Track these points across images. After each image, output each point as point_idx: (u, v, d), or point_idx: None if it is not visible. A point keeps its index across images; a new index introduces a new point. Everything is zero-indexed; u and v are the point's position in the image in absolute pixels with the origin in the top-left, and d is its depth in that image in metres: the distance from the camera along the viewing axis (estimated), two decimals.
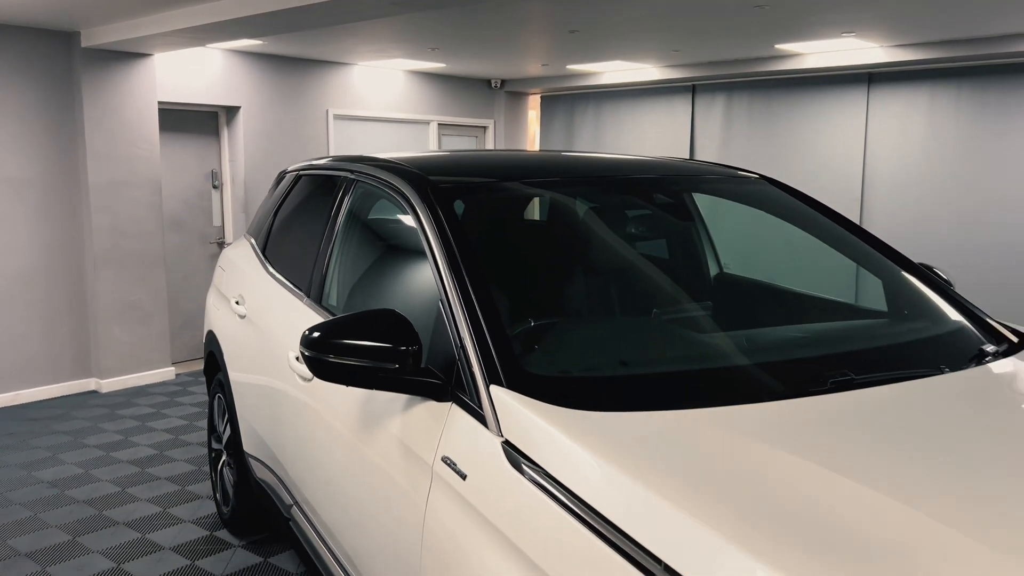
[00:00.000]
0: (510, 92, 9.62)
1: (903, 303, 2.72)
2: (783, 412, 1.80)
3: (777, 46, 6.83)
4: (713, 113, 8.57)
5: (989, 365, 2.20)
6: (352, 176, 2.94)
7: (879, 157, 7.57)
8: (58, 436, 5.43)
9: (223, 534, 4.00)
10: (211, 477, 4.27)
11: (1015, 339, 2.41)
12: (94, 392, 6.49)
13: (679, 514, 1.38)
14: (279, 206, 3.72)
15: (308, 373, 2.64)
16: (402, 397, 2.11)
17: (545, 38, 6.58)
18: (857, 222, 7.67)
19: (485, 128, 9.60)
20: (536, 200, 2.89)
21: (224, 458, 3.92)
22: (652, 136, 8.99)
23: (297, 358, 2.73)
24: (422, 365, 1.99)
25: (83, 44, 6.06)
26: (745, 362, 2.13)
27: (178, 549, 3.85)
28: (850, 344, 2.41)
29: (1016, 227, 6.91)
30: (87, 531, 4.04)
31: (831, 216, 2.91)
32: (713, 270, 3.50)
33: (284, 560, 3.74)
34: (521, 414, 1.73)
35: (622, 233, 2.90)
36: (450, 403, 1.94)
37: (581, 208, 2.90)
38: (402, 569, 1.98)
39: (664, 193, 3.14)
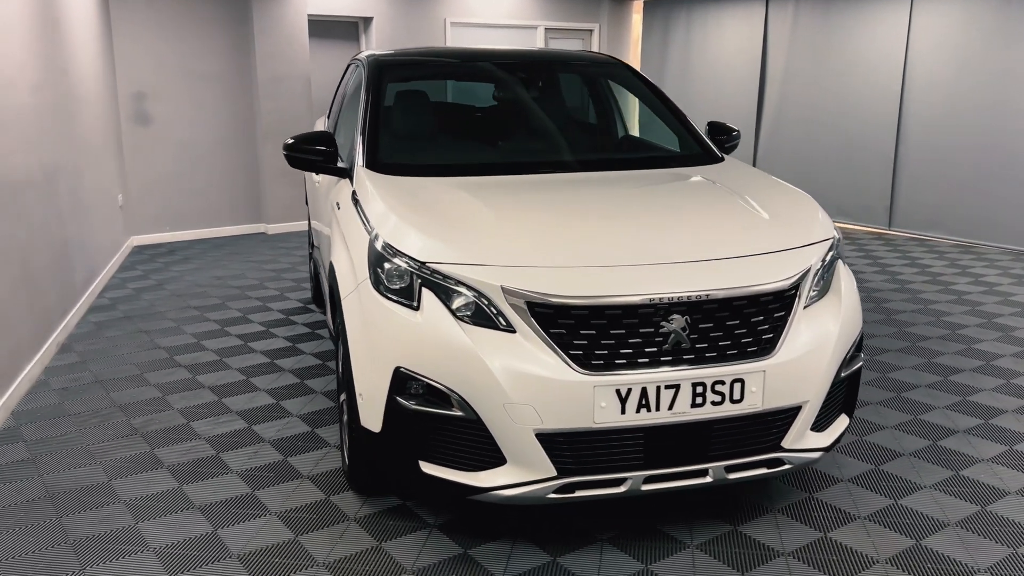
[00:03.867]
0: None
1: (682, 145, 4.21)
2: (508, 180, 3.49)
3: None
4: (784, 18, 9.52)
5: (684, 168, 3.78)
6: (357, 62, 4.76)
7: (919, 55, 8.36)
8: (234, 255, 7.84)
9: (311, 306, 6.14)
10: (309, 272, 6.42)
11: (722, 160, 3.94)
12: (263, 233, 8.92)
13: (380, 205, 3.15)
14: (339, 85, 5.63)
15: (320, 180, 4.57)
16: (334, 179, 3.95)
17: None
18: (896, 113, 8.52)
19: (591, 31, 11.00)
20: (447, 72, 4.58)
21: (312, 256, 6.01)
22: (730, 37, 10.08)
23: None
24: (340, 162, 3.83)
25: None
26: (518, 160, 3.82)
27: (287, 312, 6.02)
28: (605, 156, 3.99)
29: None
30: (237, 300, 6.30)
31: (656, 92, 4.40)
32: (621, 133, 5.04)
33: None
34: (360, 177, 3.54)
35: (500, 95, 4.53)
36: (348, 179, 3.77)
37: (478, 81, 4.56)
38: (330, 243, 3.86)
39: (546, 72, 4.69)
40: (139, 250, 8.14)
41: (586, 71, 4.75)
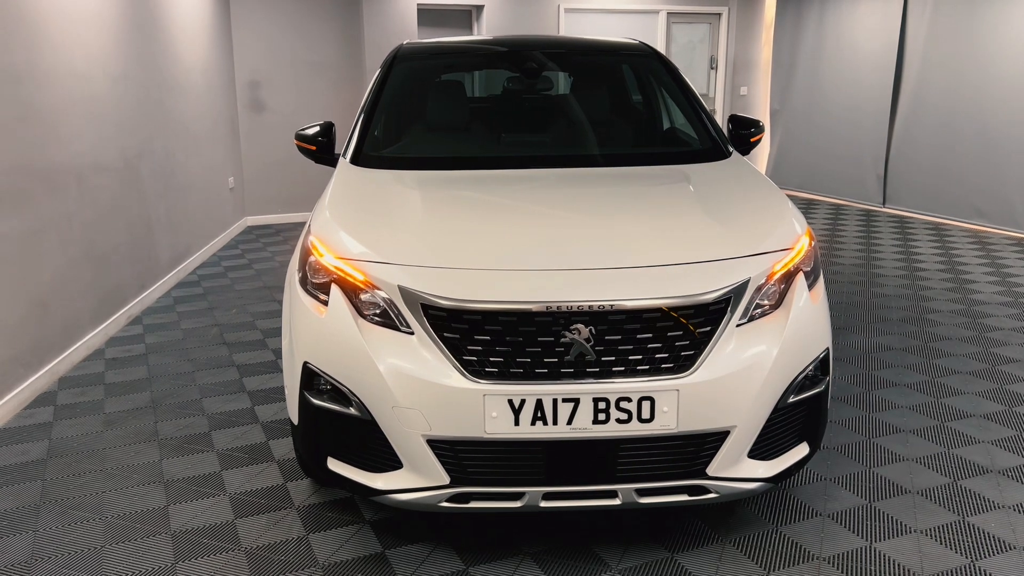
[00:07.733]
0: None
1: (700, 137, 3.93)
2: (478, 175, 3.41)
3: None
4: (924, 4, 8.68)
5: (683, 165, 3.56)
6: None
7: None
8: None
9: None
10: None
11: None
12: None
13: (326, 199, 3.15)
14: None
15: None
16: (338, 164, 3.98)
17: None
18: None
19: (719, 15, 10.48)
20: (458, 63, 4.49)
21: None
22: (865, 23, 9.32)
23: None
24: (336, 152, 3.87)
25: None
26: (506, 154, 3.71)
27: None
28: (603, 151, 3.80)
29: None
30: None
31: (680, 83, 4.15)
32: (666, 124, 4.78)
33: None
34: (340, 168, 3.56)
35: (521, 90, 4.40)
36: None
37: (492, 72, 4.45)
38: None
39: (565, 60, 4.50)
40: (249, 230, 8.62)
41: (608, 60, 4.51)
